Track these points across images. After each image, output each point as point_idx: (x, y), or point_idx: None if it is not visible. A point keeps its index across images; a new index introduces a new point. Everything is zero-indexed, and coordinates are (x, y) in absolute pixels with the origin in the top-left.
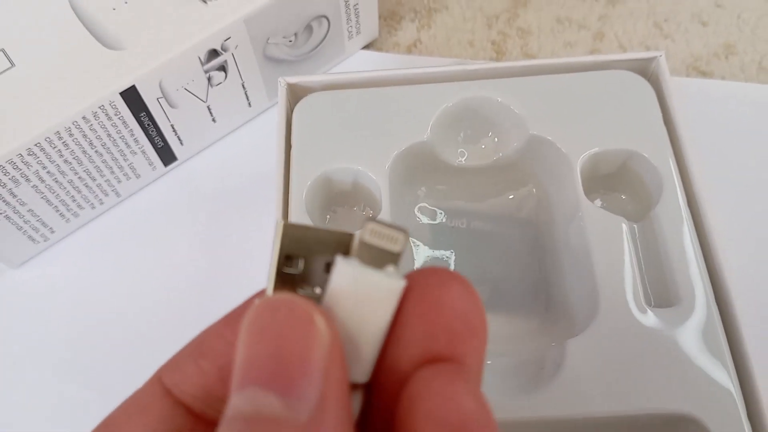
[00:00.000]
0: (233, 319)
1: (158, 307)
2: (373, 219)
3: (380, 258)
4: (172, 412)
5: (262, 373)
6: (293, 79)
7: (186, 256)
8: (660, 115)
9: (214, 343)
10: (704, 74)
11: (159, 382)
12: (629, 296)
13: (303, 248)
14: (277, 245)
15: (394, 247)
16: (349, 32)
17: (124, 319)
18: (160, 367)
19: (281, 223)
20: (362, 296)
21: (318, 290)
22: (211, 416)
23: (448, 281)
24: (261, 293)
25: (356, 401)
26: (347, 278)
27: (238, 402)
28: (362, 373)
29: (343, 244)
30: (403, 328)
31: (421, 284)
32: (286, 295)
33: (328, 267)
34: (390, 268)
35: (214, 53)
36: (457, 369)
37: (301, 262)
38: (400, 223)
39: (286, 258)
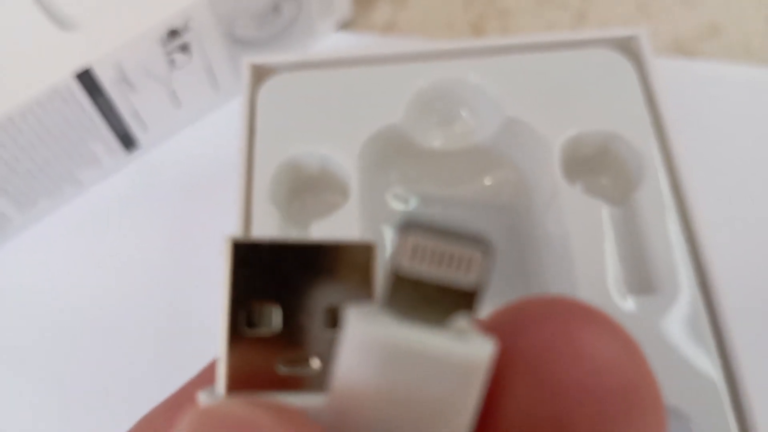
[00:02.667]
0: (183, 399)
1: (122, 300)
2: (419, 224)
3: (435, 299)
4: None
5: None
6: (258, 60)
7: (152, 248)
8: (641, 95)
9: None
10: (688, 55)
11: None
12: (609, 283)
13: (277, 285)
14: (227, 285)
15: (465, 279)
16: (321, 12)
17: (86, 313)
18: None
19: (230, 241)
20: (410, 387)
21: (316, 361)
22: None
23: (582, 327)
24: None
25: None
26: (374, 351)
27: None
28: None
29: (355, 268)
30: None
31: (527, 340)
32: (233, 407)
33: (332, 316)
34: (460, 322)
35: (175, 34)
36: None
37: (277, 311)
38: (452, 221)
39: (247, 306)
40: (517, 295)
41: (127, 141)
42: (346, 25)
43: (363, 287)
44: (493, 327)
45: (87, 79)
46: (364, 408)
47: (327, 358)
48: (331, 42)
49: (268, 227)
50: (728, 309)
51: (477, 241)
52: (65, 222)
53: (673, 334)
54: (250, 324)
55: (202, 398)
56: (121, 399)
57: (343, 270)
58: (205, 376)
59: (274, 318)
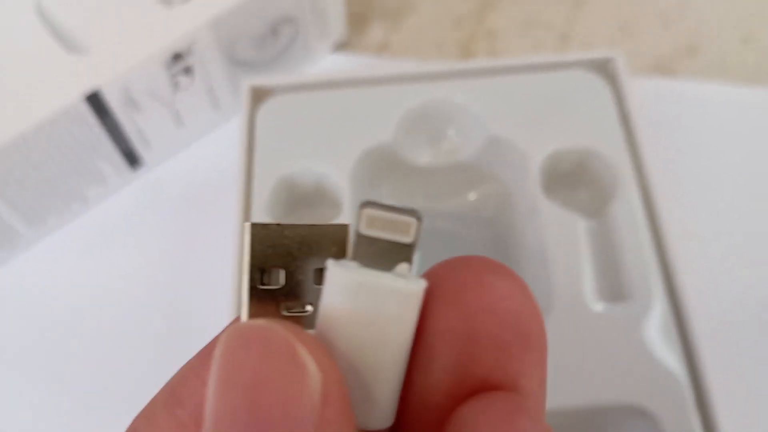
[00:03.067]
0: (210, 354)
1: (128, 313)
2: (372, 202)
3: (387, 254)
4: None
5: None
6: (257, 82)
7: (155, 261)
8: (616, 113)
9: (190, 385)
10: (668, 74)
11: None
12: (583, 291)
13: (282, 255)
14: (247, 255)
15: (405, 237)
16: (317, 35)
17: (93, 324)
18: (133, 420)
19: (248, 225)
20: (369, 311)
21: (309, 308)
22: None
23: (488, 273)
24: (237, 320)
25: None
26: (345, 288)
27: None
28: (381, 417)
29: (335, 242)
30: (432, 347)
31: (449, 282)
32: (259, 322)
33: (319, 275)
34: (402, 267)
35: (179, 57)
36: (512, 399)
37: (282, 273)
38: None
39: (261, 270)
40: None
41: (132, 159)
42: (341, 47)
43: (340, 255)
44: (428, 274)
45: (95, 101)
46: (339, 329)
47: (316, 305)
48: (327, 63)
49: None
50: (695, 315)
51: (412, 212)
52: (73, 237)
53: (644, 339)
54: (262, 282)
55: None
56: (125, 403)
57: (327, 242)
58: (201, 361)
59: (280, 278)
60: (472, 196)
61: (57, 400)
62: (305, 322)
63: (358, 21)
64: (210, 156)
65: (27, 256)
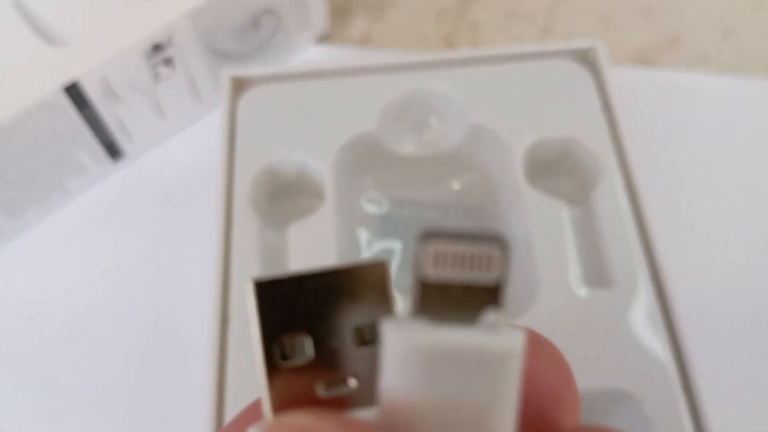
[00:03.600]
0: None
1: (109, 305)
2: (437, 233)
3: (464, 300)
4: None
5: None
6: (237, 73)
7: (138, 253)
8: (598, 102)
9: None
10: (648, 65)
11: None
12: (568, 277)
13: (304, 316)
14: (256, 325)
15: (487, 276)
16: (299, 27)
17: (75, 318)
18: None
19: (250, 285)
20: (455, 386)
21: (353, 381)
22: None
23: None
24: (256, 409)
25: None
26: (415, 359)
27: None
28: None
29: (372, 287)
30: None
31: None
32: (297, 420)
33: (360, 334)
34: (490, 315)
35: (159, 48)
36: None
37: (308, 342)
38: (465, 226)
39: (279, 341)
40: None
41: (113, 151)
42: (323, 39)
43: (383, 302)
44: None
45: (74, 92)
46: (414, 414)
47: (362, 376)
48: (309, 55)
49: (248, 230)
50: (680, 300)
51: (494, 240)
52: (53, 229)
53: (629, 324)
54: (284, 357)
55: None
56: (110, 400)
57: (361, 289)
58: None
59: (306, 347)
60: (455, 185)
61: (38, 394)
62: (350, 401)
63: (340, 13)
64: (192, 147)
65: (7, 248)
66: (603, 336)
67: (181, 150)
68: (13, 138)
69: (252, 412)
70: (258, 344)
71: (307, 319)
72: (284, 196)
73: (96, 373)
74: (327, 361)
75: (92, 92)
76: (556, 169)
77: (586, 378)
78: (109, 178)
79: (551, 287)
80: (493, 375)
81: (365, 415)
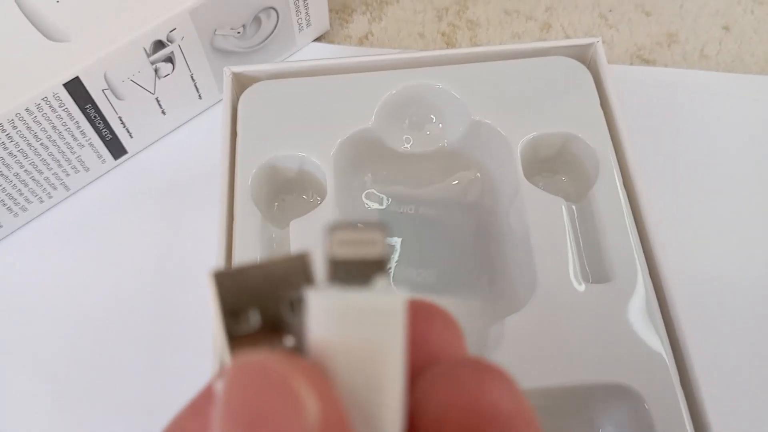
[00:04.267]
0: (196, 410)
1: (111, 301)
2: (336, 227)
3: (360, 272)
4: None
5: None
6: (238, 69)
7: (139, 249)
8: (597, 99)
9: None
10: (647, 62)
11: None
12: (567, 273)
13: (252, 296)
14: (216, 305)
15: (373, 252)
16: (299, 24)
17: (76, 312)
18: None
19: (210, 276)
20: (359, 333)
21: (290, 341)
22: None
23: (489, 377)
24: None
25: None
26: (330, 314)
27: None
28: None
29: (301, 272)
30: (431, 399)
31: (455, 375)
32: (256, 357)
33: (293, 306)
34: (380, 281)
35: (160, 44)
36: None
37: (255, 313)
38: (363, 217)
39: (235, 316)
40: (484, 287)
41: (114, 147)
42: (323, 37)
43: (309, 282)
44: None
45: (75, 88)
46: (332, 357)
47: (296, 335)
48: (309, 52)
49: (250, 226)
50: (677, 295)
51: (376, 226)
52: (55, 225)
53: (627, 319)
54: (238, 326)
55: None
56: (110, 393)
57: (294, 274)
58: (196, 408)
59: (253, 317)
60: (454, 181)
61: (39, 387)
62: (292, 352)
63: (340, 11)
64: (192, 143)
65: (8, 243)
66: (601, 331)
67: (182, 146)
68: (14, 134)
69: (203, 400)
70: (219, 320)
71: (255, 298)
72: (285, 193)
73: (97, 366)
74: (272, 328)
75: (93, 88)
76: (555, 166)
77: (585, 372)
78: (111, 174)
79: (550, 283)
80: (382, 325)
81: None
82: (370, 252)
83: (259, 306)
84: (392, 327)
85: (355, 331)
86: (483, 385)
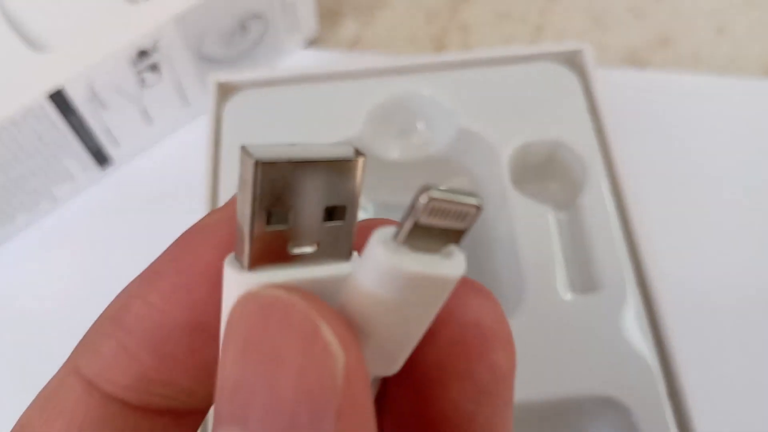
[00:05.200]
0: (157, 277)
1: (98, 312)
2: (435, 192)
3: (437, 238)
4: (103, 412)
5: (250, 413)
6: (224, 78)
7: (126, 260)
8: (585, 105)
9: (137, 311)
10: (640, 65)
11: (77, 373)
12: (554, 282)
13: (291, 194)
14: (250, 197)
15: (461, 225)
16: (287, 30)
17: (63, 324)
18: (72, 352)
19: (253, 163)
20: (413, 293)
21: (312, 249)
22: (157, 405)
23: (474, 294)
24: (208, 227)
25: (372, 390)
26: (390, 276)
27: None
28: (394, 368)
29: (347, 177)
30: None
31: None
32: (278, 293)
33: (328, 213)
34: (450, 249)
35: (145, 54)
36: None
37: (282, 212)
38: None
39: (267, 212)
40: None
41: (100, 157)
42: (312, 42)
43: (351, 190)
44: None
45: (59, 99)
46: (371, 310)
47: (322, 243)
48: (298, 59)
49: None
50: (667, 305)
51: (475, 200)
52: (42, 236)
53: (616, 329)
54: (268, 222)
55: (227, 264)
56: None
57: (337, 177)
58: (144, 284)
59: (290, 217)
60: None
61: (26, 400)
62: (308, 259)
63: (329, 16)
64: (179, 153)
65: None
66: (589, 342)
67: (169, 155)
68: None
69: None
70: (249, 216)
71: (292, 196)
72: None
73: None
74: (299, 229)
75: (78, 99)
76: (543, 173)
77: (573, 384)
78: (97, 184)
79: (538, 292)
80: (434, 293)
81: (318, 271)
82: (457, 225)
83: (293, 203)
84: (441, 295)
85: (407, 294)
86: (468, 301)
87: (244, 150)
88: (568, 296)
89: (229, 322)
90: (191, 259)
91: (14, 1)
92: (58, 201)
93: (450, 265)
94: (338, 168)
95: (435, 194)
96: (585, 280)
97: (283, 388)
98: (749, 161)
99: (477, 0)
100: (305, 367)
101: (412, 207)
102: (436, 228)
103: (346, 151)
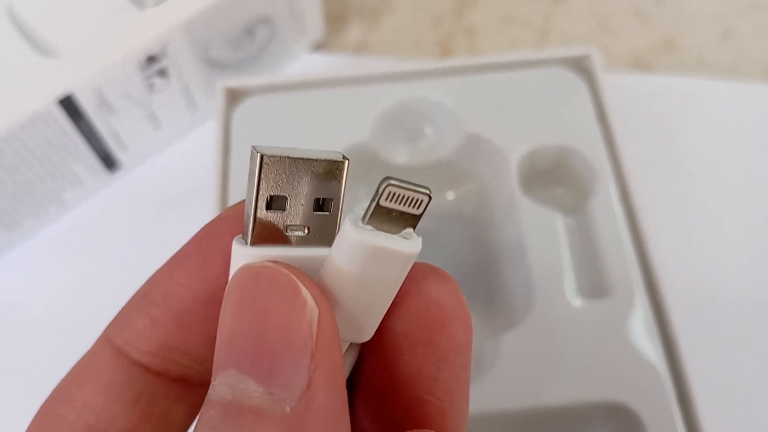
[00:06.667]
0: (183, 258)
1: (107, 316)
2: (392, 181)
3: (396, 219)
4: (128, 375)
5: (243, 356)
6: (232, 83)
7: (134, 264)
8: (593, 110)
9: (164, 287)
10: (645, 69)
11: (108, 341)
12: (563, 288)
13: (288, 184)
14: (255, 186)
15: (416, 211)
16: (294, 35)
17: (71, 329)
18: (107, 326)
19: (260, 156)
20: (374, 269)
21: (305, 231)
22: (174, 372)
23: (435, 276)
24: (228, 218)
25: (351, 357)
26: (358, 249)
27: (218, 386)
28: (365, 335)
29: (336, 174)
30: (401, 300)
31: (410, 276)
32: (269, 264)
33: (318, 203)
34: (407, 231)
35: (153, 59)
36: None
37: (286, 200)
38: (418, 181)
39: (264, 197)
40: (480, 303)
41: (108, 162)
42: (319, 47)
43: (337, 186)
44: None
45: (68, 104)
46: (342, 280)
47: (312, 228)
48: (305, 63)
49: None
50: (676, 311)
51: (424, 188)
52: (51, 241)
53: (625, 335)
54: (269, 207)
55: (235, 241)
56: None
57: (327, 174)
58: (173, 265)
59: (286, 204)
60: (450, 194)
61: (35, 405)
62: (301, 241)
63: (336, 20)
64: (187, 157)
65: (4, 259)
66: (599, 346)
67: (177, 160)
68: (8, 151)
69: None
70: (254, 200)
71: (289, 186)
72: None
73: None
74: (294, 215)
75: (87, 104)
76: (551, 178)
77: (582, 389)
78: (105, 188)
79: (546, 297)
80: (397, 267)
81: (308, 252)
82: (411, 210)
83: (291, 195)
84: (401, 270)
85: (372, 266)
86: (432, 282)
87: (253, 148)
88: (576, 302)
89: (227, 288)
90: (211, 243)
91: (24, 7)
92: (67, 206)
93: (407, 244)
94: (328, 167)
95: (393, 182)
96: (594, 285)
97: (269, 334)
98: (756, 165)
99: (482, 5)
100: (287, 317)
101: (376, 192)
102: (395, 211)
103: (335, 155)
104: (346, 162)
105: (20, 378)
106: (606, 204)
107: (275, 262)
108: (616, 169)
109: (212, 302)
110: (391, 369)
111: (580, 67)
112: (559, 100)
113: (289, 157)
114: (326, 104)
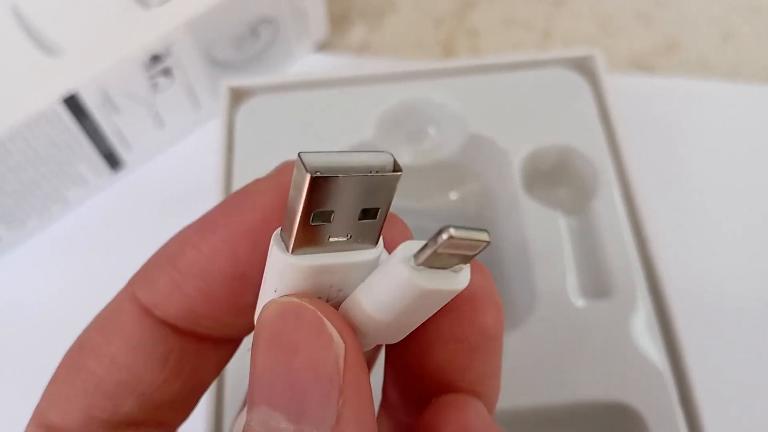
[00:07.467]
0: (209, 230)
1: None
2: (452, 227)
3: (449, 257)
4: (156, 334)
5: (273, 393)
6: (235, 83)
7: (138, 264)
8: (595, 111)
9: (190, 257)
10: (647, 70)
11: (134, 299)
12: (566, 288)
13: (335, 201)
14: (302, 207)
15: (471, 252)
16: (298, 35)
17: (75, 328)
18: (130, 280)
19: (309, 177)
20: (423, 301)
21: (347, 237)
22: (202, 333)
23: (487, 304)
24: (256, 194)
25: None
26: (410, 287)
27: (251, 422)
28: (396, 340)
29: (385, 188)
30: (437, 320)
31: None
32: (294, 300)
33: (362, 213)
34: (461, 267)
35: (157, 59)
36: (472, 401)
37: (332, 213)
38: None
39: (310, 214)
40: None
41: (112, 161)
42: (322, 47)
43: (385, 198)
44: None
45: (73, 103)
46: (383, 310)
47: (355, 235)
48: (308, 63)
49: None
50: (678, 311)
51: (483, 231)
52: (54, 240)
53: (627, 335)
54: (314, 219)
55: (274, 241)
56: None
57: (376, 186)
58: (196, 232)
59: (331, 216)
60: (453, 195)
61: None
62: (342, 247)
63: (339, 21)
64: (191, 157)
65: (7, 259)
66: (601, 346)
67: (181, 159)
68: (12, 149)
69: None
70: (299, 210)
71: (333, 203)
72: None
73: None
74: (339, 225)
75: (91, 103)
76: (554, 179)
77: (584, 389)
78: (109, 187)
79: (549, 298)
80: (443, 301)
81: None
82: (468, 253)
83: (335, 206)
84: (446, 300)
85: (421, 303)
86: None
87: (299, 158)
88: (579, 302)
89: (257, 326)
90: (239, 219)
91: (29, 6)
92: (71, 205)
93: (457, 280)
94: (379, 180)
95: (454, 233)
96: (596, 285)
97: (297, 371)
98: (757, 166)
99: (484, 6)
100: (314, 354)
101: (435, 241)
102: (450, 254)
103: (386, 164)
104: (398, 174)
105: (21, 376)
106: (608, 204)
107: (301, 296)
108: (618, 170)
109: (239, 279)
110: (420, 359)
111: (583, 67)
112: (561, 101)
113: (338, 175)
114: (329, 104)
